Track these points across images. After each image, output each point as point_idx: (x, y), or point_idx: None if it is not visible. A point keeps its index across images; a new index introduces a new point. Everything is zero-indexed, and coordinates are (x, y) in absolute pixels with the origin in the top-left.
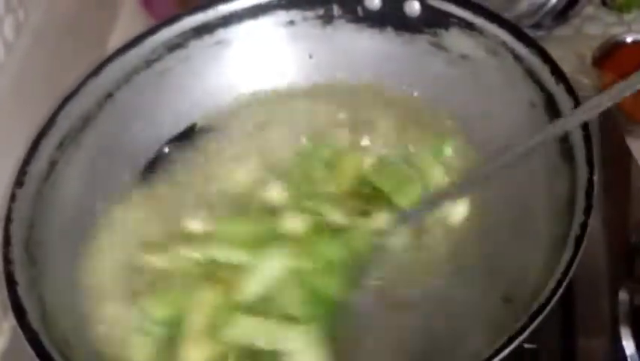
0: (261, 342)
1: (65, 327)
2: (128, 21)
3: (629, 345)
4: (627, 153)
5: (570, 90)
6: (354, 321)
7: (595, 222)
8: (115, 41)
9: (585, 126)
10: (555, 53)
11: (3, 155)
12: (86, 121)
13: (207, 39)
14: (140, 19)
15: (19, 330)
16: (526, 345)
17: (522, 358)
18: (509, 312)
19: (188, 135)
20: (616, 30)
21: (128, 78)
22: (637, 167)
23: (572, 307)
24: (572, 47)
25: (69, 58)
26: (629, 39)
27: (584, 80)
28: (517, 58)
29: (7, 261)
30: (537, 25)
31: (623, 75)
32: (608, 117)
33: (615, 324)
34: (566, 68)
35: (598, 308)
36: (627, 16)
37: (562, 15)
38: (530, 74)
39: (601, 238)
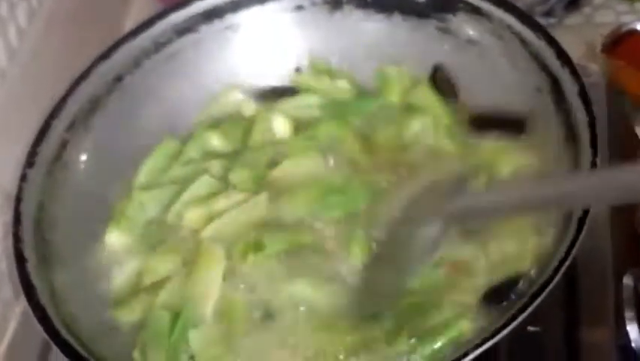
0: None
1: (74, 306)
2: (142, 6)
3: (633, 330)
4: (635, 140)
5: (575, 73)
6: None
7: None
8: (128, 26)
9: (589, 111)
10: (565, 40)
11: (16, 138)
12: (95, 104)
13: (217, 23)
14: (152, 4)
15: (29, 312)
16: (530, 328)
17: (525, 340)
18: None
19: None
20: (627, 18)
21: (137, 62)
22: None
23: (576, 292)
24: (583, 35)
25: (82, 43)
26: (639, 27)
27: (592, 67)
28: (523, 42)
29: (17, 239)
30: (548, 13)
31: (633, 62)
32: (615, 104)
33: (619, 309)
34: (575, 55)
35: (602, 293)
36: (638, 5)
37: (573, 3)
38: (536, 58)
39: (607, 223)
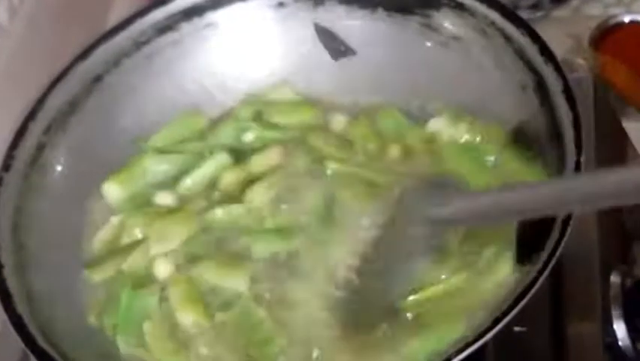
0: None
1: (52, 313)
2: (125, 4)
3: (620, 328)
4: (622, 135)
5: (559, 69)
6: None
7: None
8: (110, 24)
9: (574, 108)
10: (552, 33)
11: None
12: (74, 105)
13: (197, 22)
14: (135, 2)
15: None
16: (515, 328)
17: (512, 341)
18: None
19: None
20: (615, 11)
21: (116, 61)
22: (632, 149)
23: (562, 290)
24: (571, 27)
25: (64, 42)
26: (626, 19)
27: (579, 61)
28: (506, 38)
29: None
30: (536, 6)
31: (620, 55)
32: (603, 99)
33: (606, 307)
34: (562, 49)
35: (589, 291)
36: None
37: None
38: (520, 54)
39: (594, 220)
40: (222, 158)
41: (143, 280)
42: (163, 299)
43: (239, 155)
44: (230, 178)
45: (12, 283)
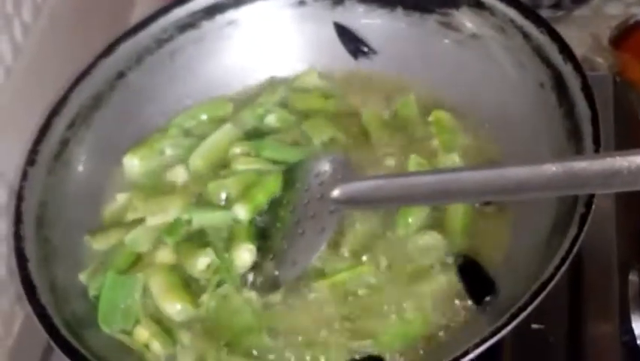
0: None
1: (77, 306)
2: (146, 2)
3: (637, 327)
4: None
5: (578, 68)
6: None
7: (606, 202)
8: (133, 21)
9: (592, 106)
10: (572, 33)
11: (22, 135)
12: (97, 101)
13: (219, 19)
14: (157, 1)
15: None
16: (533, 325)
17: (529, 338)
18: None
19: None
20: (635, 10)
21: (139, 58)
22: None
23: (580, 288)
24: (591, 27)
25: (87, 39)
26: None
27: (599, 60)
28: (525, 36)
29: (18, 238)
30: (557, 6)
31: None
32: (622, 98)
33: (624, 306)
34: (583, 47)
35: (607, 290)
36: None
37: None
38: (539, 52)
39: (612, 218)
40: (227, 128)
41: (132, 263)
42: (145, 288)
43: (258, 136)
44: (238, 151)
45: (37, 277)
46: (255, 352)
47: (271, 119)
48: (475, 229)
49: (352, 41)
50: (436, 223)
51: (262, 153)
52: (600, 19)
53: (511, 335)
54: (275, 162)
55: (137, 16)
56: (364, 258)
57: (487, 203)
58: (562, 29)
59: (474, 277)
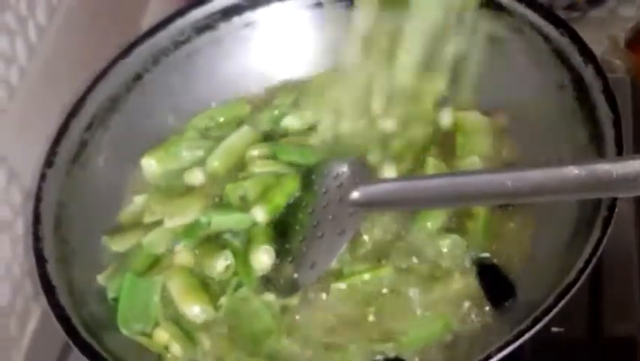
0: None
1: (95, 308)
2: (161, 2)
3: None
4: None
5: (599, 70)
6: None
7: (626, 205)
8: (147, 23)
9: (614, 108)
10: (588, 34)
11: (36, 137)
12: (114, 102)
13: (236, 21)
14: (171, 3)
15: (49, 312)
16: (553, 329)
17: (549, 341)
18: None
19: None
20: None
21: (156, 60)
22: None
23: (600, 291)
24: (607, 28)
25: (101, 41)
26: None
27: (616, 62)
28: (545, 38)
29: (37, 238)
30: (572, 7)
31: None
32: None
33: None
34: (599, 50)
35: (627, 292)
36: None
37: None
38: (558, 54)
39: (632, 220)
40: (244, 130)
41: (150, 265)
42: (164, 290)
43: (274, 138)
44: (256, 153)
45: (55, 277)
46: (274, 355)
47: (288, 121)
48: (496, 232)
49: None
50: (458, 226)
51: (279, 156)
52: (615, 21)
53: (531, 339)
54: (292, 164)
55: (150, 17)
56: (384, 261)
57: (508, 205)
58: (578, 31)
59: (493, 280)
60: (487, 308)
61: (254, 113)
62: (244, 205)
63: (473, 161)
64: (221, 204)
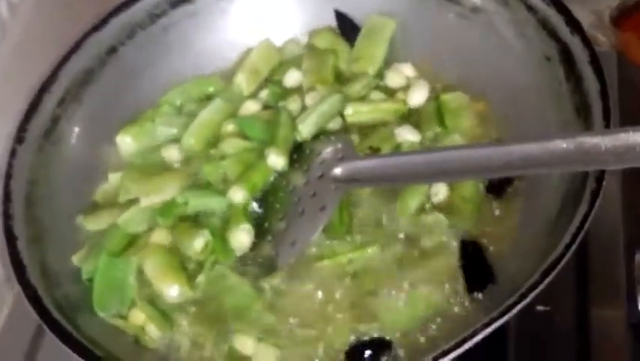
0: None
1: (69, 289)
2: None
3: None
4: None
5: (586, 41)
6: None
7: (612, 183)
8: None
9: (601, 79)
10: (572, 10)
11: (8, 114)
12: (88, 77)
13: None
14: None
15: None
16: (538, 307)
17: (535, 320)
18: None
19: None
20: None
21: (131, 33)
22: None
23: (586, 270)
24: (591, 4)
25: (74, 16)
26: None
27: (600, 38)
28: (530, 9)
29: (7, 216)
30: None
31: None
32: (626, 74)
33: (631, 287)
34: (584, 24)
35: (614, 271)
36: None
37: None
38: (544, 25)
39: (618, 199)
40: (217, 104)
41: (126, 245)
42: (140, 271)
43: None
44: (231, 128)
45: (26, 256)
46: (254, 333)
47: (264, 94)
48: (483, 211)
49: (352, 30)
50: (444, 206)
51: (249, 134)
52: None
53: (516, 318)
54: (263, 142)
55: None
56: (366, 240)
57: (500, 191)
58: None
59: (476, 264)
60: None
61: (228, 86)
62: (224, 185)
63: (455, 139)
64: (199, 185)
